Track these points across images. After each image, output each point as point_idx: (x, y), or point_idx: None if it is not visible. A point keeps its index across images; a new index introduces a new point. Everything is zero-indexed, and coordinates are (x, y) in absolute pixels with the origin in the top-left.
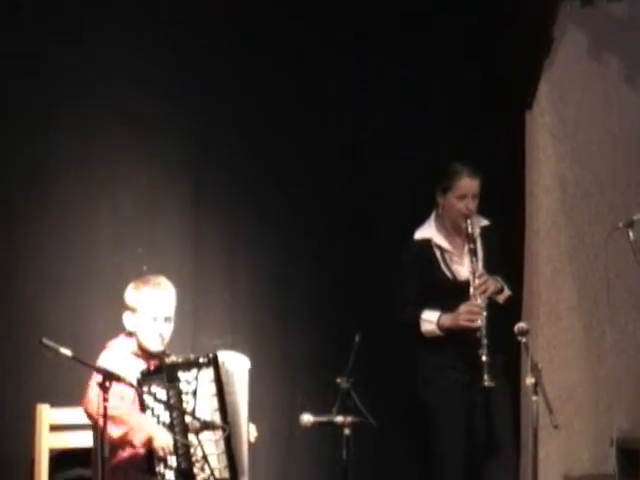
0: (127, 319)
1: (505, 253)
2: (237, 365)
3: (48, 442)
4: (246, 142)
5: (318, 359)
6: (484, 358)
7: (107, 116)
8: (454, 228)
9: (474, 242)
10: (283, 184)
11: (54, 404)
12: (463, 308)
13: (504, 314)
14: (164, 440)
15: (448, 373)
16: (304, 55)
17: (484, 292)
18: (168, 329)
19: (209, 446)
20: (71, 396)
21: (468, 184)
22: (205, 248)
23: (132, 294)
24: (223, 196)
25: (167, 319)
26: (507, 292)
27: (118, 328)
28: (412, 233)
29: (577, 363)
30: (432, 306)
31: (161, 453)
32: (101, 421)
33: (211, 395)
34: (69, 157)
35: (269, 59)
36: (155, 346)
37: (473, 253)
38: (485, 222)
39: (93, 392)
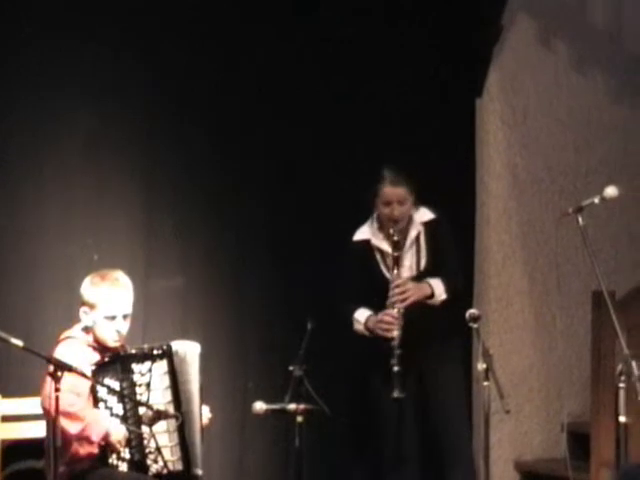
0: (84, 314)
1: (456, 242)
2: (190, 352)
3: (0, 433)
4: (196, 127)
5: (270, 346)
6: (395, 369)
7: (57, 109)
8: (386, 231)
9: (399, 249)
10: (235, 167)
11: (6, 394)
12: (379, 317)
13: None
14: (119, 434)
15: (382, 372)
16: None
17: (402, 301)
18: (126, 326)
19: (162, 438)
20: (23, 387)
21: (390, 191)
22: (156, 235)
23: (90, 290)
24: (174, 182)
25: (125, 316)
26: (441, 296)
27: (70, 318)
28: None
29: (528, 348)
30: (371, 305)
31: (117, 447)
32: (53, 412)
33: (164, 387)
34: (19, 149)
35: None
36: (112, 342)
37: (396, 261)
38: (430, 216)
39: (48, 387)
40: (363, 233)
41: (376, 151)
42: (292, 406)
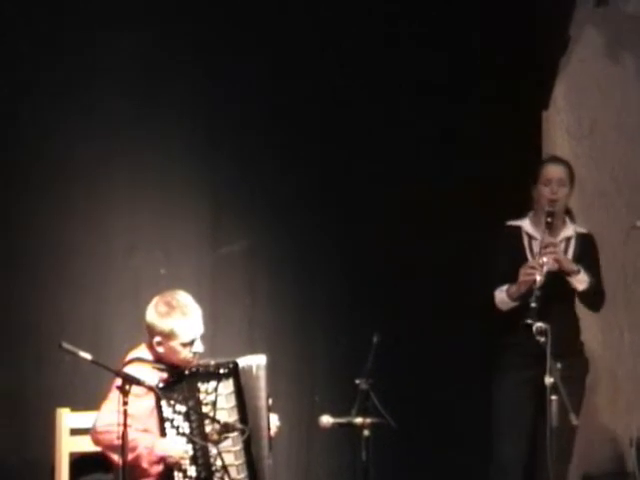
0: (158, 345)
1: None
2: (256, 367)
3: (68, 446)
4: (263, 145)
5: (337, 360)
6: (533, 304)
7: (122, 121)
8: (543, 217)
9: (552, 217)
10: (302, 185)
11: (74, 408)
12: (526, 264)
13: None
14: (178, 454)
15: (515, 372)
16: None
17: (549, 253)
18: (202, 345)
19: (229, 457)
20: (91, 400)
21: (551, 169)
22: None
23: (161, 321)
24: (241, 198)
25: (202, 336)
26: (585, 278)
27: (136, 332)
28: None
29: (596, 362)
30: None
31: (180, 466)
32: (119, 430)
33: (231, 407)
34: (87, 165)
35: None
36: (188, 364)
37: (548, 226)
38: (583, 230)
39: (102, 419)
40: (517, 221)
41: (443, 163)
42: (359, 420)
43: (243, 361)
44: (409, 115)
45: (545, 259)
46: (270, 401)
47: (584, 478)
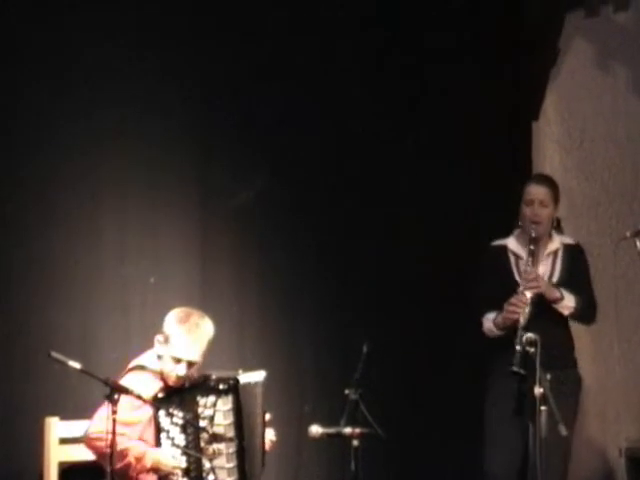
0: (158, 342)
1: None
2: (255, 384)
3: (57, 455)
4: (252, 151)
5: (326, 370)
6: (518, 347)
7: (110, 132)
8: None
9: (535, 244)
10: (292, 194)
11: (63, 417)
12: (509, 301)
13: None
14: (169, 465)
15: (505, 383)
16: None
17: (531, 289)
18: (189, 372)
19: (222, 473)
20: (80, 409)
21: (533, 189)
22: (212, 261)
23: (171, 324)
24: (229, 208)
25: (190, 364)
26: (569, 304)
27: (125, 341)
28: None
29: (585, 373)
30: (500, 309)
31: (171, 477)
32: (121, 438)
33: (228, 424)
34: (75, 174)
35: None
36: (170, 381)
37: (531, 254)
38: (570, 241)
39: (95, 426)
40: (502, 240)
41: (434, 176)
42: (348, 430)
43: (243, 378)
44: (402, 127)
45: (529, 295)
46: (268, 416)
47: None
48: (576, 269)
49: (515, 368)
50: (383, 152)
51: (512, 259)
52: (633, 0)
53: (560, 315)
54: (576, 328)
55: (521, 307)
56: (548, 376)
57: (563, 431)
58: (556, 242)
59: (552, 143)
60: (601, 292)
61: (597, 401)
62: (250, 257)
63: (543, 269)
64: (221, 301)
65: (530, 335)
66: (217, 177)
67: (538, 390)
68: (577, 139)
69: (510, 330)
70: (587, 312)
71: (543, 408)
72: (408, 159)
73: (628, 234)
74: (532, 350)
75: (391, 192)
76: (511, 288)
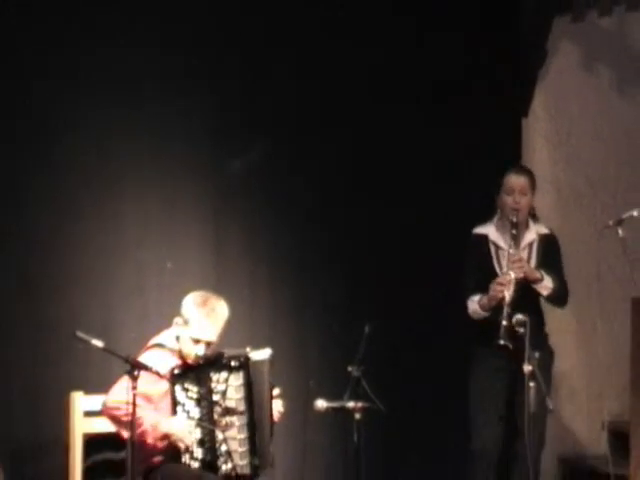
0: (176, 324)
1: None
2: (264, 361)
3: (82, 427)
4: (264, 145)
5: (331, 349)
6: (504, 322)
7: (128, 124)
8: (508, 225)
9: (517, 229)
10: (303, 184)
11: (87, 392)
12: (495, 281)
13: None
14: (181, 432)
15: (489, 361)
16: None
17: (517, 269)
18: (207, 351)
19: (234, 443)
20: (103, 384)
21: (514, 179)
22: (225, 247)
23: (189, 307)
24: (242, 195)
25: (208, 343)
26: (548, 284)
27: (142, 322)
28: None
29: (570, 352)
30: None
31: (182, 445)
32: (130, 409)
33: (239, 398)
34: (96, 165)
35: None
36: (189, 360)
37: (513, 238)
38: (545, 230)
39: (112, 396)
40: (483, 228)
41: (429, 170)
42: (351, 404)
43: (252, 355)
44: (400, 123)
45: (513, 275)
46: (277, 390)
47: (561, 459)
48: (550, 257)
49: (502, 341)
50: (395, 146)
51: (492, 249)
52: (616, 6)
53: (532, 297)
54: (563, 312)
55: (506, 286)
56: (536, 354)
57: (550, 405)
58: (532, 232)
59: (541, 138)
60: (585, 276)
61: (582, 379)
62: (261, 243)
63: (510, 237)
64: (233, 284)
65: (520, 316)
66: (230, 167)
67: (527, 368)
68: (564, 135)
69: (494, 311)
70: (562, 293)
71: (532, 384)
72: (411, 153)
73: (611, 223)
74: (522, 330)
75: (399, 188)
76: (491, 275)
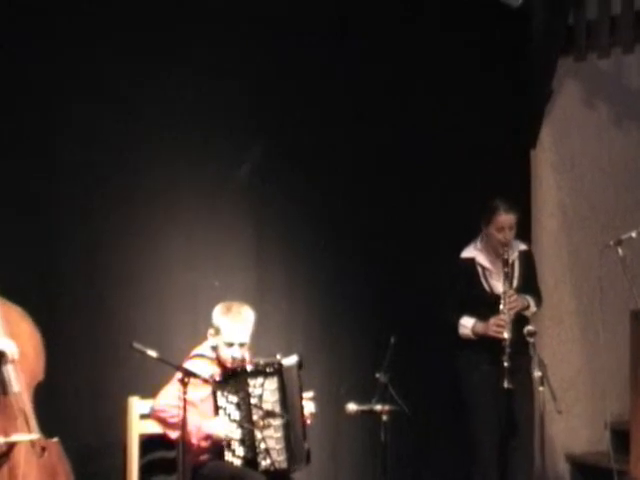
0: (210, 336)
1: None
2: (295, 367)
3: (138, 429)
4: (304, 164)
5: (361, 357)
6: (506, 364)
7: (179, 153)
8: (494, 252)
9: (509, 267)
10: (339, 203)
11: (143, 396)
12: (493, 321)
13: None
14: (223, 432)
15: (479, 369)
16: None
17: (512, 309)
18: (242, 352)
19: (271, 442)
20: (156, 390)
21: (504, 218)
22: (266, 267)
23: (217, 317)
24: (282, 219)
25: (242, 345)
26: (533, 308)
27: (194, 337)
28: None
29: (576, 358)
30: (471, 313)
31: (224, 443)
32: (181, 411)
33: (274, 400)
34: (150, 194)
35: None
36: (228, 364)
37: (507, 276)
38: (523, 247)
39: (160, 401)
40: (469, 252)
41: (447, 196)
42: (378, 407)
43: (285, 361)
44: (413, 146)
45: (507, 316)
46: (311, 394)
47: (567, 456)
48: (528, 273)
49: (506, 384)
50: (413, 156)
51: (480, 270)
52: (613, 49)
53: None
54: (568, 319)
55: (506, 327)
56: (546, 361)
57: (558, 407)
58: (515, 252)
59: (547, 167)
60: (589, 290)
61: (586, 382)
62: (298, 261)
63: (504, 276)
64: (273, 299)
65: (530, 328)
66: (270, 195)
67: (537, 373)
68: (568, 164)
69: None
70: (539, 305)
71: (541, 389)
72: (426, 172)
73: (611, 243)
74: (532, 340)
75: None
76: (480, 295)
